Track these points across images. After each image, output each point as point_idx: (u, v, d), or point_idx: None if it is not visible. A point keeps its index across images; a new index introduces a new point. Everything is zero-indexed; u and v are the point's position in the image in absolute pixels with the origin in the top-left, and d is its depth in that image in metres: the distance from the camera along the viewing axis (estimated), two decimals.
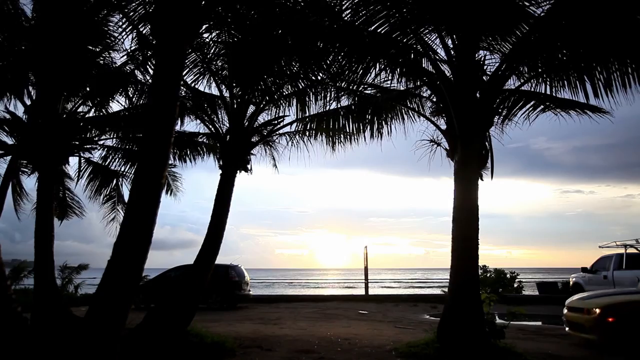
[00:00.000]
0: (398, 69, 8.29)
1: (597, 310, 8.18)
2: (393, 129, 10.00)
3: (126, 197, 11.86)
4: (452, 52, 7.51)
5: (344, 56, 8.05)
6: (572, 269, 20.23)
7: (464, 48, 7.42)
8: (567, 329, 9.07)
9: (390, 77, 8.57)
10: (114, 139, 11.83)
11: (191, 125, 11.97)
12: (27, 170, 12.00)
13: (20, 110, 10.64)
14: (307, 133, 10.96)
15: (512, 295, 17.85)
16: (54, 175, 9.98)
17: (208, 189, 16.31)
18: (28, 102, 10.47)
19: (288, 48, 8.52)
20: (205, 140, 11.73)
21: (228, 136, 9.40)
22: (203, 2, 6.66)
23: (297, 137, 11.06)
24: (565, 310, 9.21)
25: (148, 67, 9.63)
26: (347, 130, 10.42)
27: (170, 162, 9.03)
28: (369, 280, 21.93)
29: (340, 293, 27.33)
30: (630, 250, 14.78)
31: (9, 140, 11.09)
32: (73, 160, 12.08)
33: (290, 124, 10.53)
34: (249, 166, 9.51)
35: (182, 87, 9.42)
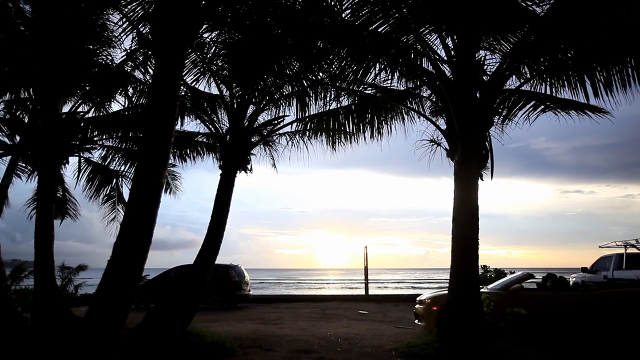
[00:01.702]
0: (398, 69, 8.28)
1: (428, 301, 9.88)
2: (393, 129, 10.00)
3: (126, 197, 11.85)
4: (452, 52, 7.50)
5: (344, 56, 8.04)
6: (572, 269, 20.24)
7: (464, 48, 7.42)
8: (415, 320, 10.22)
9: (390, 77, 8.56)
10: (114, 139, 11.83)
11: (191, 125, 11.98)
12: (26, 170, 11.98)
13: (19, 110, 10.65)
14: (307, 133, 10.95)
15: None
16: (54, 175, 9.97)
17: (208, 189, 16.34)
18: (27, 102, 10.48)
19: (288, 48, 8.52)
20: (205, 140, 11.73)
21: (228, 136, 9.39)
22: (203, 2, 6.67)
23: (297, 137, 11.06)
24: (416, 305, 10.45)
25: (148, 67, 9.64)
26: (347, 130, 10.42)
27: (170, 161, 9.03)
28: (369, 281, 21.92)
29: (340, 293, 27.32)
30: (630, 250, 14.77)
31: (9, 141, 11.10)
32: (72, 160, 12.03)
33: (290, 124, 10.54)
34: (249, 166, 9.52)
35: (182, 87, 9.41)
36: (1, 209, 11.31)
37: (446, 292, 9.84)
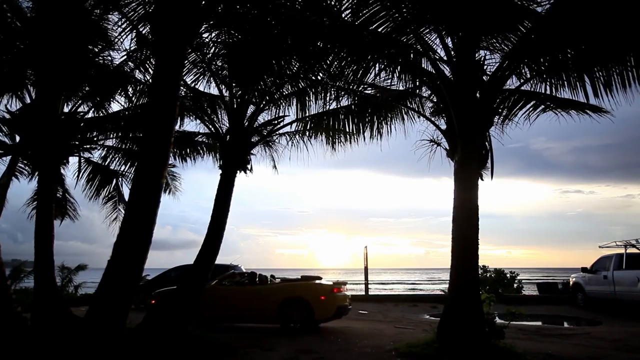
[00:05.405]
0: (398, 69, 8.27)
1: (153, 295, 10.68)
2: (393, 129, 10.03)
3: (127, 197, 11.84)
4: (452, 52, 7.50)
5: (343, 56, 8.03)
6: (572, 269, 20.19)
7: (464, 48, 7.42)
8: None
9: (390, 77, 8.55)
10: (114, 139, 11.84)
11: (191, 125, 11.97)
12: (27, 170, 11.98)
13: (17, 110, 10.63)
14: (307, 133, 10.97)
15: (512, 295, 17.81)
16: (54, 176, 9.97)
17: (208, 189, 16.37)
18: (28, 102, 10.47)
19: (288, 48, 8.52)
20: (205, 140, 11.74)
21: (228, 136, 9.40)
22: (203, 2, 6.67)
23: (297, 137, 11.08)
24: None
25: (148, 67, 9.64)
26: (347, 130, 10.43)
27: (170, 161, 9.04)
28: (369, 281, 21.90)
29: None
30: (630, 250, 14.75)
31: (9, 140, 11.09)
32: (72, 160, 12.04)
33: (290, 124, 10.56)
34: (249, 166, 9.53)
35: (182, 87, 9.42)
36: (1, 209, 11.30)
37: (168, 288, 10.90)
